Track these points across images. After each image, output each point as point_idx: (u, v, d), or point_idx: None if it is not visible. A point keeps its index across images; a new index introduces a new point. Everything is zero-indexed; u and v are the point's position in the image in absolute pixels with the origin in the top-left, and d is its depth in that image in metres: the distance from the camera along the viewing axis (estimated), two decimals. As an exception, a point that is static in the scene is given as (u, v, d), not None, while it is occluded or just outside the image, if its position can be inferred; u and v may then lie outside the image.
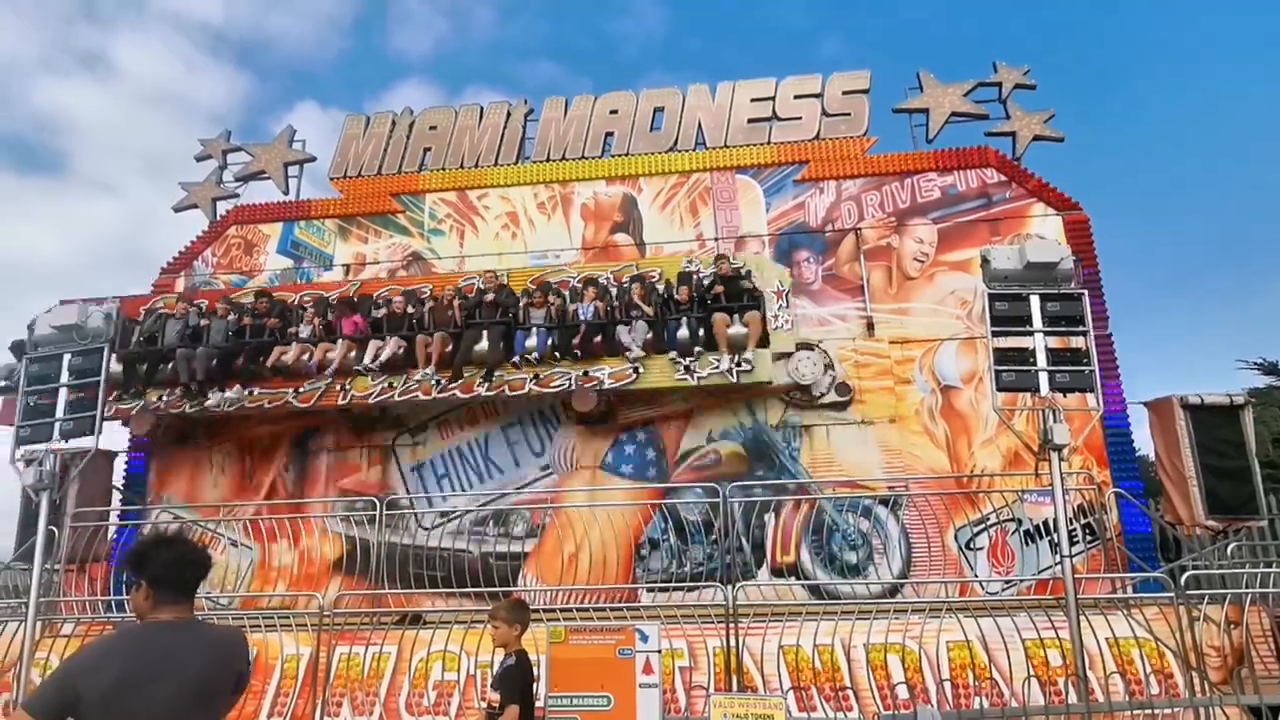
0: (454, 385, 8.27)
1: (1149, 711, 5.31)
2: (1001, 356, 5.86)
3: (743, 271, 8.31)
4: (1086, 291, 5.96)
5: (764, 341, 8.06)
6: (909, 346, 8.78)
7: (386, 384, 8.37)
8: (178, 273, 10.17)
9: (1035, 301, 5.84)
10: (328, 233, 10.15)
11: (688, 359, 7.94)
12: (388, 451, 9.12)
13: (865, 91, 9.90)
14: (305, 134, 10.87)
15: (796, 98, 9.97)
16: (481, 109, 10.57)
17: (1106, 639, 5.71)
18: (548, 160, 10.17)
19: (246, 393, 8.47)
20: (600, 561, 7.93)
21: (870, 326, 8.84)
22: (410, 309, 8.63)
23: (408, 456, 9.10)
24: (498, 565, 8.27)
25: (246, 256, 10.16)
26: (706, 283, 8.28)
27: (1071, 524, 7.58)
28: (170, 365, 8.58)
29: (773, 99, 9.98)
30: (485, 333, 8.28)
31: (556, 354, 8.12)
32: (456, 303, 8.55)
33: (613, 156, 10.09)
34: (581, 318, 8.23)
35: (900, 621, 5.91)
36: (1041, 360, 5.75)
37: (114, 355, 7.96)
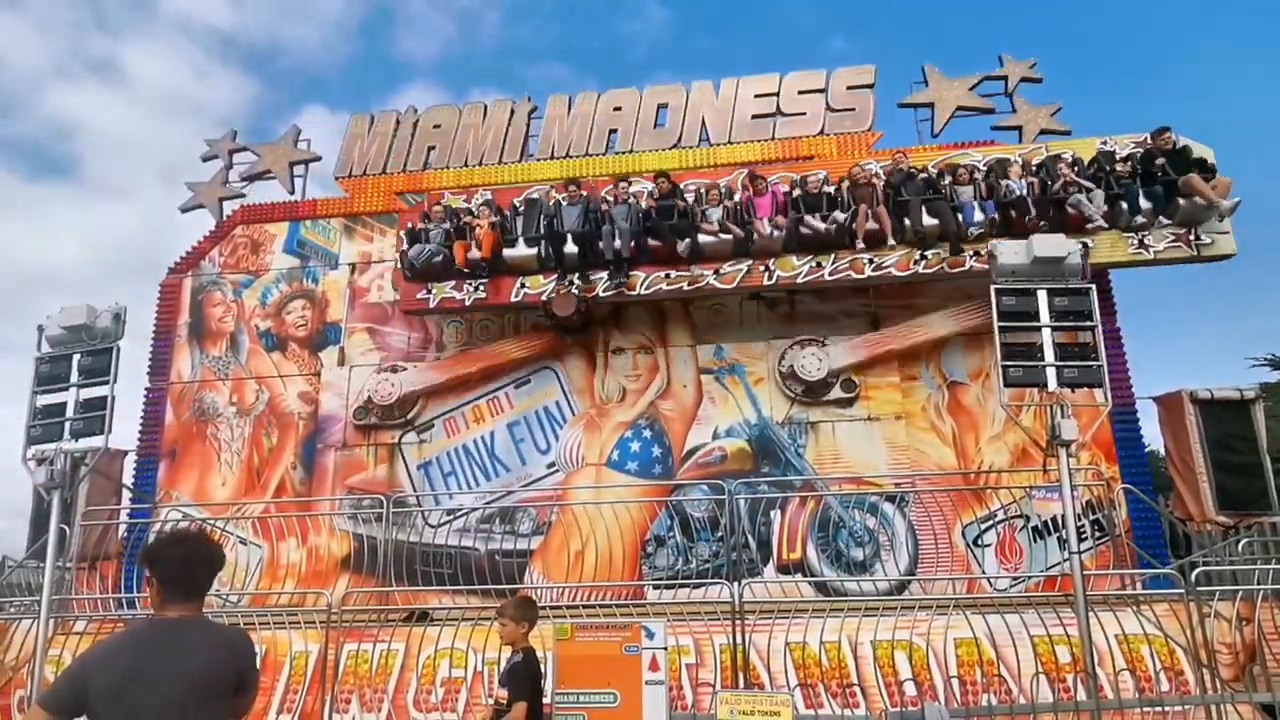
0: (890, 263, 7.80)
1: (1159, 709, 5.27)
2: (1009, 352, 5.83)
3: (1180, 146, 7.86)
4: (1094, 286, 5.92)
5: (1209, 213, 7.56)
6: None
7: (814, 263, 7.94)
8: (185, 272, 10.23)
9: (1043, 296, 5.81)
10: (333, 232, 10.18)
11: (1141, 232, 7.48)
12: (394, 450, 9.15)
13: (870, 86, 9.85)
14: (314, 137, 10.90)
15: (801, 93, 9.92)
16: (485, 107, 10.57)
17: (1116, 636, 5.68)
18: (552, 157, 10.16)
19: (664, 275, 8.05)
20: (606, 559, 7.94)
21: (876, 322, 8.80)
22: (827, 188, 8.14)
23: (414, 454, 9.13)
24: (504, 563, 8.29)
25: (253, 256, 10.21)
26: (1141, 156, 7.85)
27: (1080, 520, 7.53)
28: (576, 250, 8.08)
29: (777, 95, 9.94)
30: (925, 207, 7.74)
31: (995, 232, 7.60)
32: (878, 182, 8.03)
33: (616, 153, 10.08)
34: (1017, 193, 7.80)
35: (907, 618, 5.89)
36: (1049, 355, 5.72)
37: (521, 239, 8.25)
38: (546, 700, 4.14)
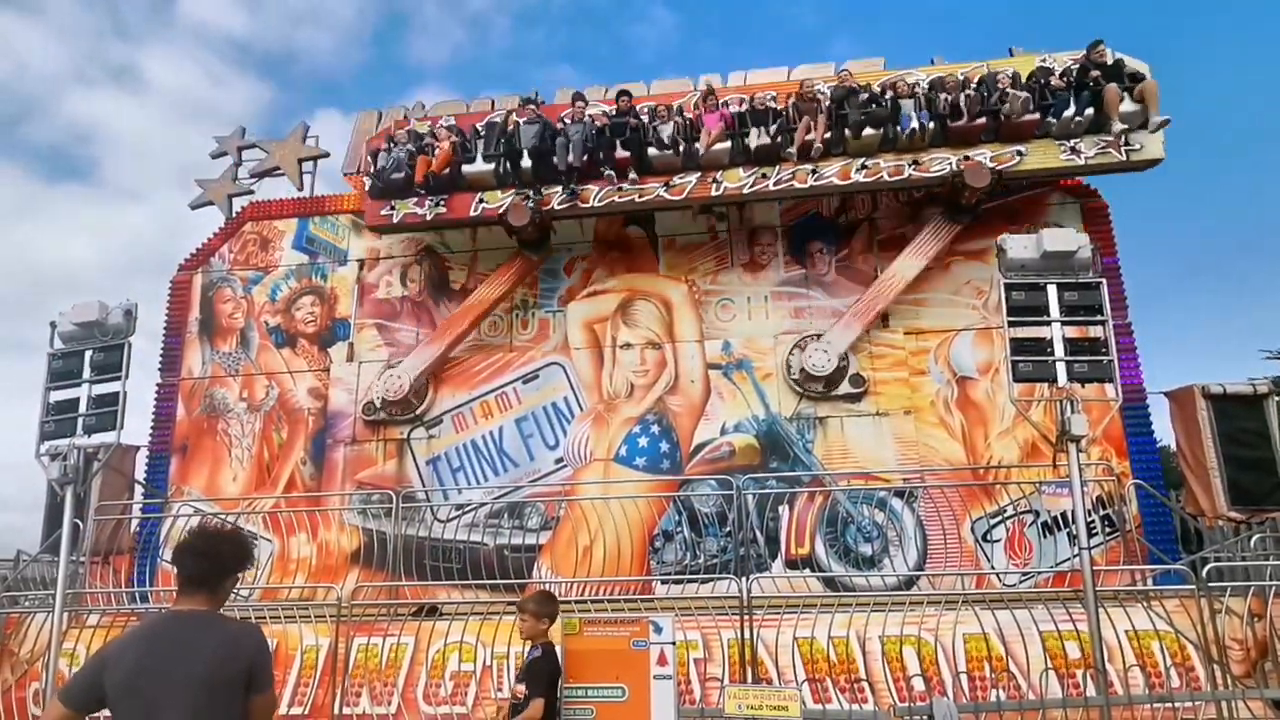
0: (830, 173, 8.10)
1: (1169, 705, 5.25)
2: (1018, 347, 5.80)
3: (1116, 60, 8.12)
4: (1105, 280, 5.88)
5: (1142, 124, 7.86)
6: (924, 337, 8.70)
7: (759, 174, 8.22)
8: (195, 269, 10.29)
9: (1053, 291, 5.77)
10: (342, 228, 10.21)
11: (1073, 139, 7.79)
12: (403, 445, 9.19)
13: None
14: (327, 140, 11.05)
15: (809, 87, 9.84)
16: (493, 101, 10.55)
17: (1126, 631, 5.65)
18: (559, 153, 10.12)
19: (616, 188, 8.35)
20: (614, 553, 7.96)
21: (885, 318, 8.76)
22: (770, 103, 8.45)
23: (423, 450, 9.16)
24: (512, 558, 8.32)
25: (262, 253, 10.25)
26: (1076, 69, 8.09)
27: (1090, 516, 7.48)
28: (530, 165, 8.47)
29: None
30: (865, 118, 8.02)
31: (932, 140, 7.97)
32: (819, 97, 8.32)
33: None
34: (958, 104, 8.03)
35: (916, 614, 5.88)
36: (1059, 350, 5.69)
37: (480, 156, 8.63)
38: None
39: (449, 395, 9.27)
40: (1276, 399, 7.52)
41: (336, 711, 6.02)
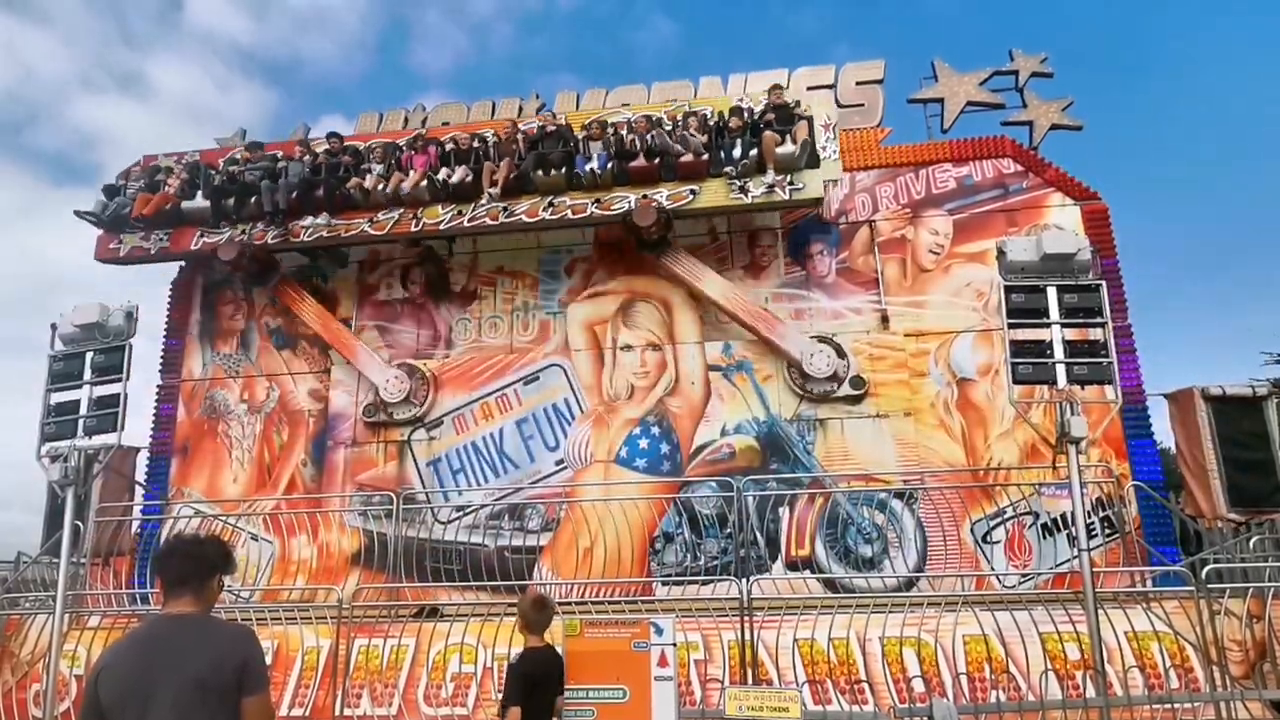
0: (520, 210, 8.58)
1: (1169, 706, 5.26)
2: (1018, 349, 5.81)
3: (793, 101, 8.69)
4: (1104, 282, 5.89)
5: (814, 163, 8.30)
6: (924, 339, 8.71)
7: (455, 211, 8.70)
8: (196, 271, 10.28)
9: (1052, 293, 5.79)
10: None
11: (742, 179, 8.22)
12: (404, 446, 9.20)
13: (879, 82, 9.81)
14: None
15: (809, 89, 9.86)
16: (494, 104, 10.58)
17: (1125, 633, 5.66)
18: (560, 155, 10.16)
19: (324, 222, 8.87)
20: (615, 555, 7.96)
21: (885, 319, 8.78)
22: (475, 144, 9.02)
23: (423, 451, 9.17)
24: (513, 559, 8.32)
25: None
26: (759, 110, 8.63)
27: (1090, 517, 7.50)
28: (253, 200, 9.00)
29: (785, 90, 9.90)
30: (547, 160, 8.54)
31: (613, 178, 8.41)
32: (520, 137, 8.95)
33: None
34: (638, 146, 8.55)
35: (916, 615, 5.89)
36: (1059, 352, 5.70)
37: (199, 194, 9.22)
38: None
39: (449, 396, 9.27)
40: (1276, 401, 7.54)
41: (337, 713, 6.02)
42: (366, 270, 9.94)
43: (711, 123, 8.66)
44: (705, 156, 8.33)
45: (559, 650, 4.09)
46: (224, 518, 9.05)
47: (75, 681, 6.47)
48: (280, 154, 9.44)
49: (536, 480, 8.90)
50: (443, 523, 8.67)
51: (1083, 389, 5.88)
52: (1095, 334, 5.83)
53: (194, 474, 9.50)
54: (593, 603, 6.40)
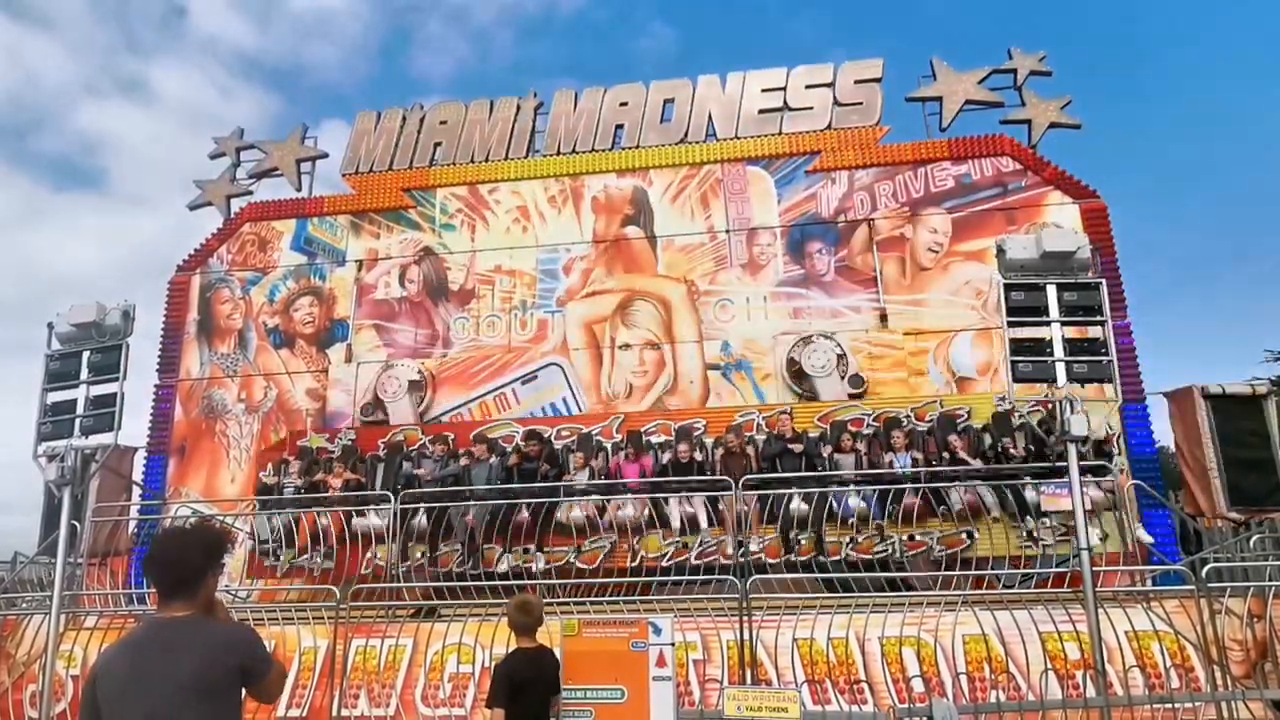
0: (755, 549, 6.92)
1: (1169, 706, 5.24)
2: (1018, 347, 5.79)
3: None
4: (1104, 280, 5.87)
5: None
6: (923, 338, 8.70)
7: (681, 545, 7.11)
8: (193, 270, 10.27)
9: (1052, 291, 5.76)
10: (340, 229, 10.20)
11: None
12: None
13: (878, 80, 9.80)
14: (333, 150, 11.04)
15: (808, 88, 9.87)
16: (491, 103, 10.56)
17: (1126, 632, 5.64)
18: (558, 154, 10.14)
19: (525, 551, 7.20)
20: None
21: (884, 318, 8.76)
22: (698, 455, 7.23)
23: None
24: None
25: (260, 253, 10.24)
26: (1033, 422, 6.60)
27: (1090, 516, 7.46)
28: (429, 517, 7.35)
29: (784, 89, 9.90)
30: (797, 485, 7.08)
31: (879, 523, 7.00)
32: (751, 450, 7.23)
33: (623, 149, 10.05)
34: (898, 468, 7.11)
35: (915, 615, 5.87)
36: (1059, 351, 5.67)
37: (372, 510, 7.41)
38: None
39: (448, 396, 9.25)
40: (1276, 399, 7.52)
41: (334, 713, 5.99)
42: (365, 269, 9.93)
43: (983, 440, 7.03)
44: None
45: (555, 652, 4.05)
46: (222, 517, 9.01)
47: (71, 682, 6.44)
48: (453, 439, 7.77)
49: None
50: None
51: (1082, 387, 5.85)
52: (1095, 332, 5.80)
53: (191, 473, 9.48)
54: (591, 602, 6.37)
